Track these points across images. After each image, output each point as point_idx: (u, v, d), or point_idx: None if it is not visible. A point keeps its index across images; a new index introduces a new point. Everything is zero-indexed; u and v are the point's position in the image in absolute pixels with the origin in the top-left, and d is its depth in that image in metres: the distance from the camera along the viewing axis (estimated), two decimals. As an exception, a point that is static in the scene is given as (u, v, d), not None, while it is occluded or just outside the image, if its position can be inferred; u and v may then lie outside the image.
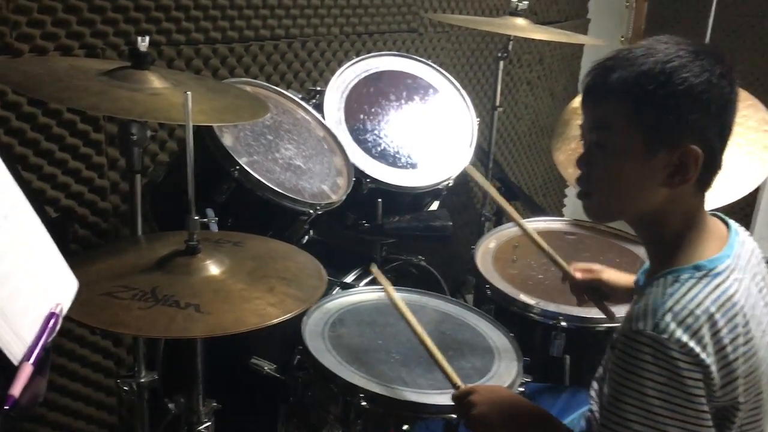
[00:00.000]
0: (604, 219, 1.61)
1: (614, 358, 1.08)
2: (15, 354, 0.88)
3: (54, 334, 0.96)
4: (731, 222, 1.21)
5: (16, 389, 0.86)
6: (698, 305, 1.05)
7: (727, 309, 1.06)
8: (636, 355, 1.04)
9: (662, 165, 1.11)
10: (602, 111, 1.15)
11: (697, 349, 1.02)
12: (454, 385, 1.39)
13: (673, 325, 1.03)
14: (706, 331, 1.03)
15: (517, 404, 1.34)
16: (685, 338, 1.02)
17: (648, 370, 1.03)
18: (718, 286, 1.08)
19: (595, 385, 1.38)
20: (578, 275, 1.62)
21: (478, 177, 1.78)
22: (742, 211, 3.82)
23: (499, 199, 1.79)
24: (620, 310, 1.57)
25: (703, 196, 1.17)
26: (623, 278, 1.58)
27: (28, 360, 0.89)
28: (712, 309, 1.05)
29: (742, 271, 1.13)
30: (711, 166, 1.13)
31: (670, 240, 1.16)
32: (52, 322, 0.96)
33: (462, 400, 1.34)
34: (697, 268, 1.10)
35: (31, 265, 0.96)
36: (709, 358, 1.03)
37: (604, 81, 1.13)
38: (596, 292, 1.60)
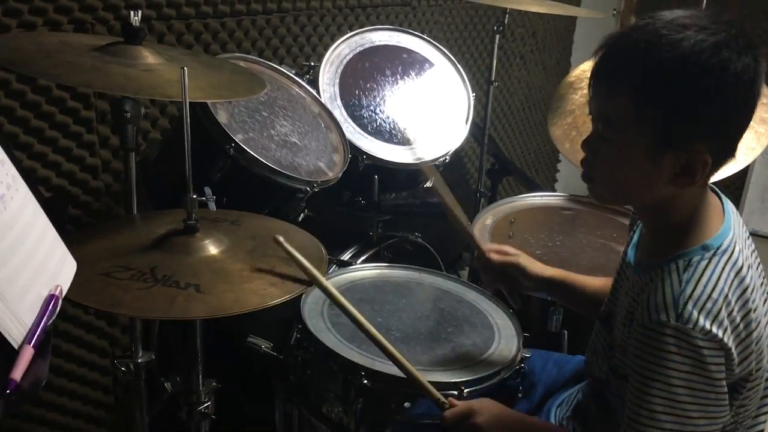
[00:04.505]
0: (608, 204, 1.58)
1: (635, 350, 1.07)
2: (15, 337, 0.87)
3: (54, 317, 0.94)
4: (716, 189, 1.18)
5: (18, 373, 0.84)
6: (714, 288, 1.04)
7: (736, 286, 1.06)
8: (660, 346, 1.03)
9: (668, 166, 1.06)
10: (608, 105, 1.08)
11: (720, 334, 1.02)
12: (437, 401, 1.32)
13: (695, 313, 1.01)
14: (723, 313, 1.03)
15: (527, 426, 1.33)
16: (708, 325, 1.01)
17: (673, 361, 1.02)
18: (727, 262, 1.07)
19: (588, 357, 1.37)
20: (494, 257, 1.50)
21: (437, 179, 1.47)
22: (733, 184, 3.82)
23: (457, 212, 1.52)
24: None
25: (708, 181, 1.13)
26: (540, 267, 1.50)
27: (29, 343, 0.88)
28: (726, 289, 1.04)
29: (741, 240, 1.12)
30: (722, 162, 1.08)
31: (677, 224, 1.13)
32: (52, 304, 0.94)
33: (462, 421, 1.28)
34: (705, 248, 1.08)
35: (29, 246, 0.93)
36: (728, 339, 1.03)
37: (611, 72, 1.06)
38: (509, 277, 1.50)
